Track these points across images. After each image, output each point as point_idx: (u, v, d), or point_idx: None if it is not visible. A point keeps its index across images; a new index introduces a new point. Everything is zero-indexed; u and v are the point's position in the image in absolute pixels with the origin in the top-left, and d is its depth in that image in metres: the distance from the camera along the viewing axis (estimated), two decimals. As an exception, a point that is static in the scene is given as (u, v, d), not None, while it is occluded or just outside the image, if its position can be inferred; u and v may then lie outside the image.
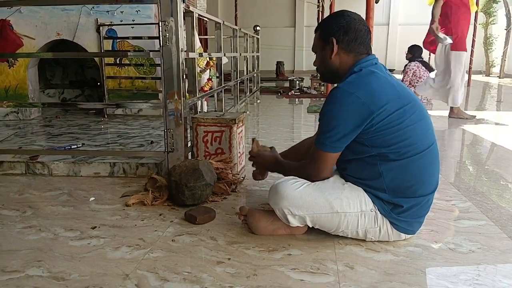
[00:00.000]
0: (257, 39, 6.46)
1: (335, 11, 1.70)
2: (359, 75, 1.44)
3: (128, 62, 4.21)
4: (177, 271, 1.33)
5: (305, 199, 1.45)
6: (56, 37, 4.05)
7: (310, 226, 1.51)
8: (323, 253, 1.44)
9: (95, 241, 1.54)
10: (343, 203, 1.45)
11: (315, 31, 1.60)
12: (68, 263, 1.38)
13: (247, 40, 5.41)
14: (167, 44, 2.10)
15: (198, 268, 1.34)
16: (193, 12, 2.49)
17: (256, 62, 6.62)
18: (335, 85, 1.52)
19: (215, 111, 4.00)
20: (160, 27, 2.09)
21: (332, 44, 1.50)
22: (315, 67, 1.64)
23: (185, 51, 2.23)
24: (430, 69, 6.23)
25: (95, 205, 1.92)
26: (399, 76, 8.04)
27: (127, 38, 4.09)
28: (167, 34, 2.09)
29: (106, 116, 4.10)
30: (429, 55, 9.48)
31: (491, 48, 13.12)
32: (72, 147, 2.74)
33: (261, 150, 1.95)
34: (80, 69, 5.13)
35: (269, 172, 2.01)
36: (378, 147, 1.42)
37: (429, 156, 1.46)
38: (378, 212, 1.47)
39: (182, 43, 2.16)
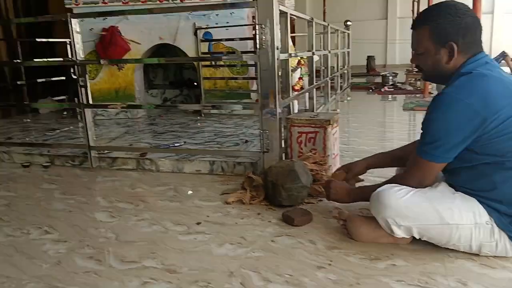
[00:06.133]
0: (348, 34, 6.29)
1: (438, 1, 1.48)
2: (470, 78, 1.31)
3: (223, 63, 4.38)
4: (279, 272, 1.36)
5: (412, 209, 1.37)
6: (159, 41, 4.37)
7: (417, 238, 1.43)
8: (431, 266, 1.36)
9: (201, 237, 1.64)
10: (454, 214, 1.35)
11: (417, 26, 1.43)
12: (179, 256, 1.49)
13: (337, 36, 5.30)
14: (264, 46, 2.14)
15: (299, 272, 1.36)
16: (286, 13, 2.51)
17: (346, 58, 6.46)
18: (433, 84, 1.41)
19: (306, 110, 4.00)
20: (257, 31, 2.14)
21: (452, 49, 1.36)
22: (415, 64, 1.53)
23: (280, 53, 2.26)
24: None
25: (198, 201, 2.05)
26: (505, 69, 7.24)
27: (222, 40, 4.26)
28: (264, 37, 2.13)
29: (203, 115, 4.33)
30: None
31: None
32: (176, 145, 2.94)
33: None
34: (179, 70, 5.48)
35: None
36: (492, 155, 1.30)
37: None
38: (495, 225, 1.34)
39: (278, 45, 2.19)
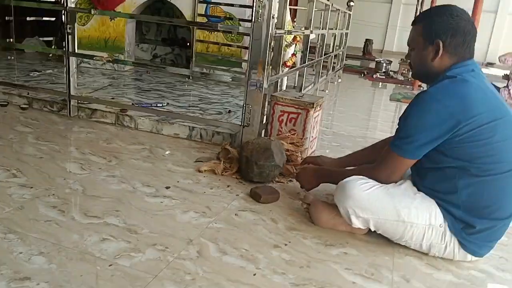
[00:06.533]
0: (349, 15, 6.20)
1: (440, 4, 1.55)
2: (453, 82, 1.35)
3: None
4: (236, 246, 1.40)
5: (372, 203, 1.43)
6: (156, -5, 4.24)
7: (373, 230, 1.49)
8: (381, 258, 1.43)
9: (167, 201, 1.68)
10: (411, 213, 1.40)
11: (415, 23, 1.49)
12: (142, 217, 1.52)
13: (338, 15, 5.22)
14: (259, 20, 2.11)
15: (255, 248, 1.41)
16: (288, -13, 2.46)
17: (344, 39, 6.40)
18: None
19: (294, 87, 3.99)
20: (255, 2, 2.10)
21: (438, 47, 1.39)
22: (408, 60, 1.56)
23: (276, 28, 2.23)
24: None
25: (171, 165, 2.07)
26: (498, 71, 7.31)
27: (220, 4, 4.16)
28: (260, 11, 2.10)
29: (190, 78, 4.27)
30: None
31: None
32: (158, 105, 2.92)
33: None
34: (173, 28, 5.35)
35: None
36: (460, 159, 1.34)
37: None
38: (448, 229, 1.41)
39: (274, 20, 2.16)
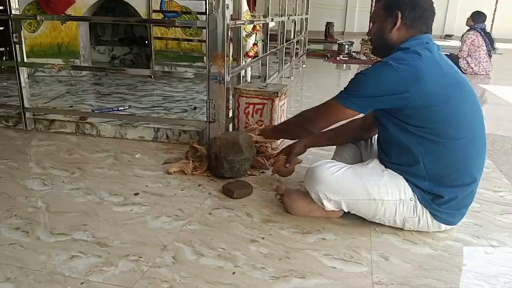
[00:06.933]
0: (308, 0, 6.20)
1: None
2: (405, 52, 1.37)
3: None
4: (212, 246, 1.37)
5: (342, 184, 1.43)
6: (107, -5, 4.09)
7: (346, 211, 1.50)
8: (358, 240, 1.43)
9: (137, 208, 1.62)
10: (381, 190, 1.41)
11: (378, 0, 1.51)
12: (111, 229, 1.46)
13: (296, 1, 5.20)
14: (213, 12, 2.05)
15: (232, 245, 1.38)
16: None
17: (304, 24, 6.40)
18: None
19: (259, 77, 3.96)
20: (207, -6, 2.04)
21: (396, 18, 1.41)
22: (370, 36, 1.58)
23: (231, 20, 2.18)
24: (491, 39, 5.77)
25: (138, 170, 2.00)
26: (457, 43, 7.52)
27: (175, -2, 4.05)
28: (214, 2, 2.04)
29: (152, 77, 4.16)
30: (492, 22, 8.72)
31: None
32: (120, 108, 2.83)
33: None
34: (129, 27, 5.19)
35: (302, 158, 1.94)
36: (417, 126, 1.36)
37: (473, 143, 1.39)
38: (418, 202, 1.42)
39: (229, 12, 2.11)
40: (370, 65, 1.42)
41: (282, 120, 2.36)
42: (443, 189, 1.39)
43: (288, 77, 4.88)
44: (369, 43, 7.20)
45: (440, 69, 1.35)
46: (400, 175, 1.44)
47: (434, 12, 1.45)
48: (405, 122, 1.37)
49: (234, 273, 1.23)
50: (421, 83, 1.30)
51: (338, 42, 8.08)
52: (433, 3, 1.45)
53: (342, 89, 1.45)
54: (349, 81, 1.44)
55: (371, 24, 1.56)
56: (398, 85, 1.31)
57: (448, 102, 1.33)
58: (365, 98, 1.38)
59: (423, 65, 1.32)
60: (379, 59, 1.44)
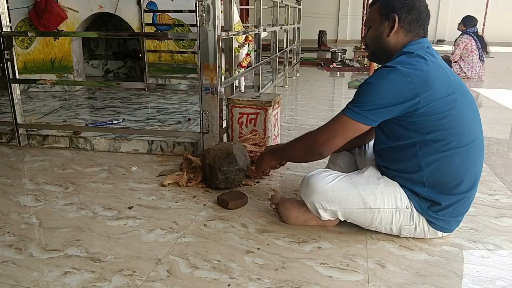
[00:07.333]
0: (299, 9, 6.25)
1: None
2: (411, 57, 1.34)
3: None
4: (207, 258, 1.35)
5: (337, 194, 1.42)
6: (99, 10, 4.10)
7: (342, 220, 1.49)
8: (354, 248, 1.42)
9: (131, 222, 1.60)
10: (377, 199, 1.40)
11: (372, 3, 1.48)
12: (105, 243, 1.44)
13: (287, 10, 5.24)
14: (204, 25, 2.06)
15: (227, 257, 1.36)
16: (231, -14, 2.42)
17: (297, 33, 6.44)
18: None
19: (253, 87, 3.96)
20: (197, 8, 2.05)
21: (393, 21, 1.39)
22: (365, 42, 1.54)
23: (223, 32, 2.19)
24: (483, 44, 5.83)
25: (132, 183, 1.99)
26: (450, 48, 7.58)
27: (168, 11, 4.08)
28: (204, 15, 2.05)
29: (146, 90, 4.17)
30: (483, 26, 8.81)
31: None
32: (113, 122, 2.82)
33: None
34: (123, 40, 5.21)
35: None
36: (421, 133, 1.33)
37: (474, 150, 1.37)
38: (414, 209, 1.41)
39: (220, 23, 2.12)
40: (375, 71, 1.36)
41: (276, 129, 2.36)
42: (441, 196, 1.38)
43: (282, 86, 4.90)
44: (364, 49, 7.29)
45: (445, 74, 1.33)
46: (398, 181, 1.42)
47: (430, 15, 1.44)
48: (410, 129, 1.34)
49: (229, 285, 1.22)
50: (431, 89, 1.27)
51: (331, 50, 8.15)
52: (427, 6, 1.43)
53: (348, 103, 1.38)
54: (356, 92, 1.37)
55: (366, 29, 1.52)
56: (409, 91, 1.26)
57: (454, 109, 1.30)
58: (377, 109, 1.30)
59: (430, 70, 1.29)
60: (374, 64, 1.42)
